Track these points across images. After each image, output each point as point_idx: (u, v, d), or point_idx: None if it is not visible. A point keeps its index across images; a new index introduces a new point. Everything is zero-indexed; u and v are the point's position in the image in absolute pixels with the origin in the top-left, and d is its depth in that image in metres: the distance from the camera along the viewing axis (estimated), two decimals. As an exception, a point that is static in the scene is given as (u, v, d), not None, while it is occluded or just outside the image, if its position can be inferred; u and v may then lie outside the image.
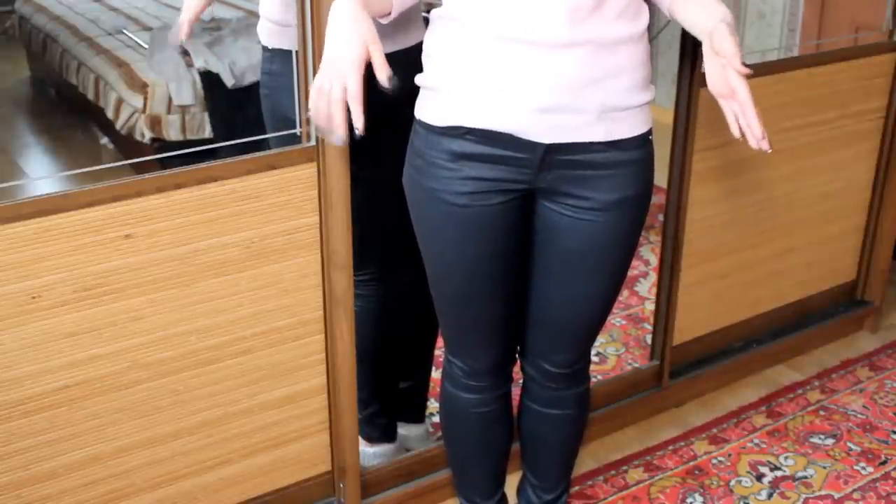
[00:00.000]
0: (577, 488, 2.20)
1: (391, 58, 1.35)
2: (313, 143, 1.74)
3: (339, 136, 1.32)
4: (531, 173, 1.52)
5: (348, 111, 1.31)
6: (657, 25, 4.02)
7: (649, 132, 1.57)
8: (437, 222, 1.58)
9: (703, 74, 2.19)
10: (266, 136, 1.88)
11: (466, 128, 1.49)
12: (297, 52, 1.70)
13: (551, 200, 1.57)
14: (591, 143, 1.50)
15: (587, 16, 1.41)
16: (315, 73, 1.66)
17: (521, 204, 1.57)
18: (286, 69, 1.77)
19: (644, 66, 1.52)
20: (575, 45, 1.41)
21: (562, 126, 1.47)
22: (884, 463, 2.31)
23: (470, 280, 1.62)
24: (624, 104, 1.49)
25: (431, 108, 1.53)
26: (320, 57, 1.64)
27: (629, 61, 1.48)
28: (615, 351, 2.68)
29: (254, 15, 2.06)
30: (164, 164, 1.87)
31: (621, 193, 1.54)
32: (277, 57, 1.85)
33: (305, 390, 1.91)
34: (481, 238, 1.57)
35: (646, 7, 1.51)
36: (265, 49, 1.89)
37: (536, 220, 1.60)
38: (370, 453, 2.16)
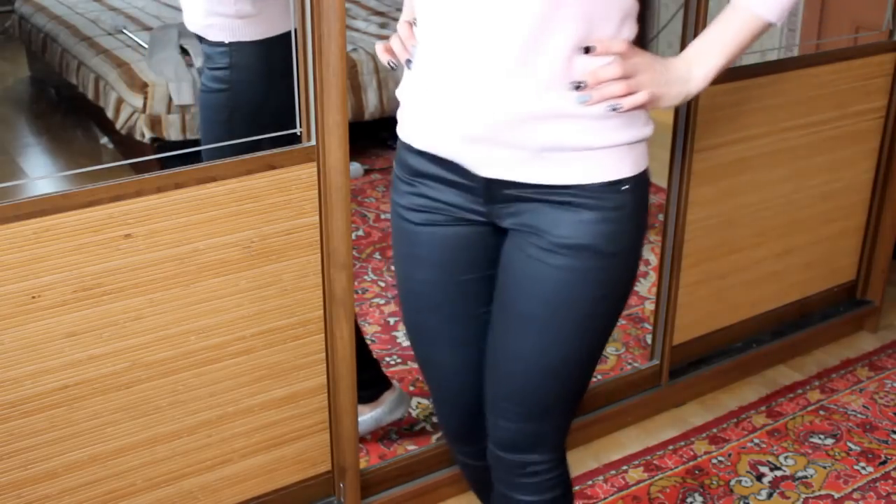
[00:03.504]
0: (577, 488, 2.20)
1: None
2: (313, 142, 1.74)
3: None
4: (483, 202, 1.34)
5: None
6: (657, 26, 4.02)
7: (623, 182, 1.29)
8: (395, 238, 1.46)
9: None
10: (266, 136, 1.88)
11: (415, 147, 1.37)
12: (296, 50, 1.70)
13: (510, 235, 1.36)
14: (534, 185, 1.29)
15: (541, 46, 1.21)
16: (315, 63, 1.67)
17: (481, 237, 1.39)
18: (251, 60, 1.78)
19: None
20: (520, 76, 1.22)
21: (494, 160, 1.28)
22: (884, 463, 2.31)
23: (418, 309, 1.46)
24: (573, 144, 1.26)
25: (399, 121, 1.41)
26: (319, 46, 1.65)
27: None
28: (615, 351, 2.68)
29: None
30: (164, 164, 1.87)
31: (577, 239, 1.29)
32: (239, 50, 1.86)
33: (305, 390, 1.91)
34: (430, 263, 1.41)
35: (629, 30, 1.29)
36: (220, 45, 1.89)
37: (499, 259, 1.39)
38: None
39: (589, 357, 1.41)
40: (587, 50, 1.22)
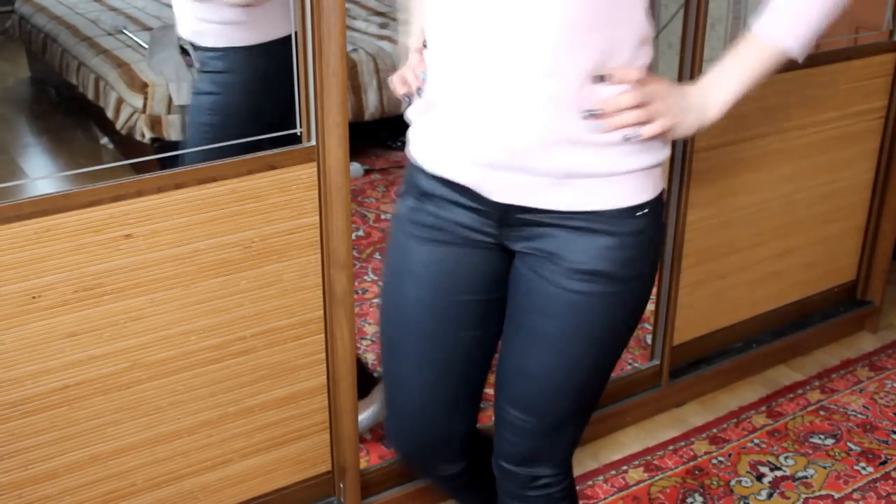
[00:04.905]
0: (577, 488, 2.20)
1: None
2: (313, 142, 1.74)
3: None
4: (496, 226, 1.32)
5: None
6: (657, 26, 4.02)
7: (640, 207, 1.28)
8: (392, 248, 1.42)
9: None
10: (267, 136, 1.88)
11: (427, 171, 1.35)
12: (296, 50, 1.70)
13: (522, 257, 1.34)
14: (550, 211, 1.28)
15: (557, 72, 1.19)
16: (315, 63, 1.67)
17: (487, 260, 1.37)
18: (244, 65, 1.79)
19: None
20: (538, 103, 1.20)
21: (509, 186, 1.26)
22: (884, 463, 2.31)
23: (398, 323, 1.42)
24: (590, 171, 1.24)
25: (410, 140, 1.39)
26: (319, 46, 1.65)
27: None
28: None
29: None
30: (164, 164, 1.88)
31: (594, 265, 1.28)
32: (231, 56, 1.87)
33: (305, 390, 1.91)
34: (424, 281, 1.38)
35: (646, 55, 1.27)
36: (213, 50, 1.91)
37: (502, 281, 1.39)
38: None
39: (602, 376, 1.41)
40: (602, 78, 1.21)
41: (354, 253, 2.66)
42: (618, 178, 1.26)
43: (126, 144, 3.33)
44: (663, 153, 1.30)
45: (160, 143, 3.22)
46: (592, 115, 1.21)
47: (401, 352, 1.43)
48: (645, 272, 1.33)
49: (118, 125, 3.27)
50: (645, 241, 1.30)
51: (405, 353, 1.43)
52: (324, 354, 1.90)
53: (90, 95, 3.43)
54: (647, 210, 1.29)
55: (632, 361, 2.61)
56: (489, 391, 1.47)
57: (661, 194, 1.32)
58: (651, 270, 1.35)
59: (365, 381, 2.26)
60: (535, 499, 1.47)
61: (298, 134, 1.76)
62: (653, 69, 1.30)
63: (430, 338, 1.40)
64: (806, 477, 2.26)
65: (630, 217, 1.28)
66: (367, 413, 2.24)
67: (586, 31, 1.18)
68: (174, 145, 3.20)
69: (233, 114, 1.90)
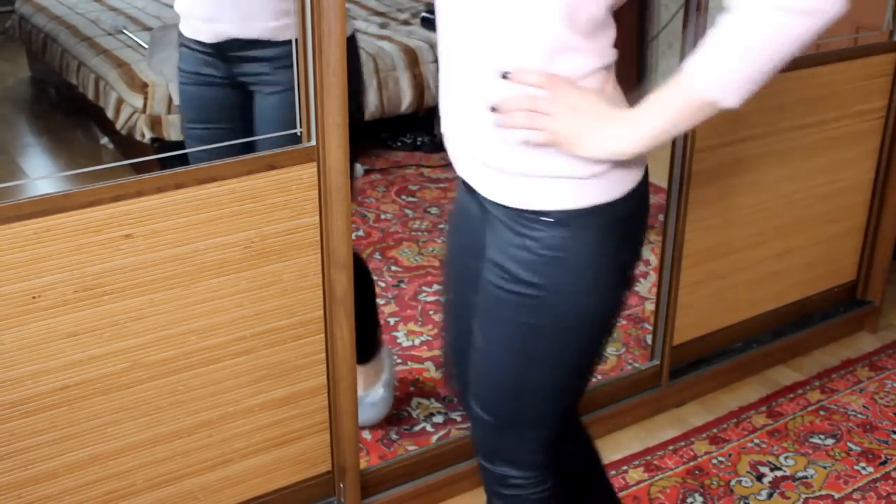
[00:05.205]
0: (577, 488, 2.20)
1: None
2: (313, 142, 1.74)
3: None
4: (478, 206, 1.37)
5: None
6: (657, 26, 4.02)
7: (548, 214, 1.24)
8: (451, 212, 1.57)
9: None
10: (266, 136, 1.88)
11: None
12: (296, 51, 1.70)
13: None
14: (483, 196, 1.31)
15: (470, 66, 1.24)
16: (315, 63, 1.67)
17: (481, 236, 1.40)
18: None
19: None
20: (464, 93, 1.26)
21: (462, 165, 1.34)
22: (884, 463, 2.31)
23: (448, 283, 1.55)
24: (495, 164, 1.26)
25: None
26: (319, 46, 1.65)
27: None
28: (615, 351, 2.68)
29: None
30: (164, 164, 1.88)
31: (496, 257, 1.30)
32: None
33: (305, 390, 1.91)
34: (454, 247, 1.52)
35: (569, 65, 1.21)
36: (289, 43, 1.94)
37: None
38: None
39: (536, 388, 1.37)
40: (505, 76, 1.21)
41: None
42: (522, 179, 1.25)
43: (126, 144, 3.33)
44: (592, 168, 1.23)
45: (160, 143, 3.22)
46: (493, 109, 1.22)
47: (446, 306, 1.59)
48: (568, 289, 1.27)
49: (118, 125, 3.27)
50: (566, 255, 1.25)
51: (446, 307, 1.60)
52: (324, 354, 1.90)
53: (90, 95, 3.43)
54: (558, 220, 1.24)
55: (632, 361, 2.61)
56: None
57: (596, 209, 1.24)
58: (585, 290, 1.28)
59: (374, 345, 2.30)
60: (510, 498, 1.48)
61: (298, 134, 1.76)
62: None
63: (453, 298, 1.55)
64: (806, 477, 2.26)
65: (534, 221, 1.25)
66: (381, 395, 2.28)
67: (491, 29, 1.20)
68: (174, 145, 3.20)
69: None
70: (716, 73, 1.13)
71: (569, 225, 1.24)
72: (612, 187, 1.25)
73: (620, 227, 1.28)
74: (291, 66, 2.00)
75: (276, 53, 1.92)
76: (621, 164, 1.24)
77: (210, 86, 2.01)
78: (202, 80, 2.02)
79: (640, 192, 1.30)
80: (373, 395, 2.33)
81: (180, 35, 2.02)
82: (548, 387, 1.39)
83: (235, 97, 2.00)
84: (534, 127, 1.20)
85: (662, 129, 1.18)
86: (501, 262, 1.29)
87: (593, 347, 1.38)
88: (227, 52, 1.95)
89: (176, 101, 3.17)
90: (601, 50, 1.23)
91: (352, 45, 1.97)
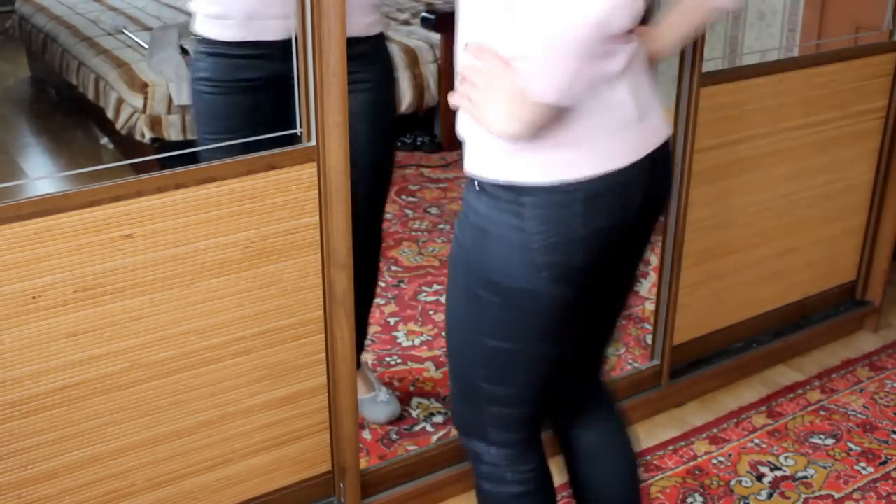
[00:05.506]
0: (577, 488, 2.20)
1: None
2: (313, 142, 1.74)
3: None
4: None
5: None
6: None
7: (478, 180, 1.34)
8: None
9: (704, 74, 2.20)
10: (266, 136, 1.88)
11: None
12: (296, 51, 1.70)
13: None
14: None
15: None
16: (315, 63, 1.67)
17: None
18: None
19: None
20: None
21: None
22: (884, 463, 2.31)
23: None
24: (462, 129, 1.37)
25: None
26: (319, 47, 1.65)
27: None
28: (615, 351, 2.68)
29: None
30: (164, 164, 1.87)
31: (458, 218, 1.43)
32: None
33: (305, 390, 1.91)
34: None
35: None
36: (382, 36, 2.05)
37: None
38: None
39: (470, 350, 1.42)
40: (465, 47, 1.29)
41: (354, 253, 2.66)
42: (468, 145, 1.33)
43: (126, 144, 3.34)
44: (502, 142, 1.27)
45: (160, 144, 3.22)
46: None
47: None
48: (483, 255, 1.33)
49: (118, 125, 3.27)
50: (484, 222, 1.31)
51: None
52: (324, 354, 1.90)
53: (90, 95, 3.43)
54: (482, 188, 1.31)
55: (632, 361, 2.61)
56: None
57: (514, 187, 1.28)
58: (498, 262, 1.32)
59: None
60: (484, 476, 1.54)
61: (298, 134, 1.76)
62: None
63: None
64: (806, 477, 2.26)
65: (470, 185, 1.33)
66: (385, 403, 2.30)
67: (469, 9, 1.29)
68: (174, 145, 3.20)
69: None
70: (528, 69, 1.19)
71: (489, 195, 1.30)
72: (530, 170, 1.27)
73: (543, 214, 1.28)
74: (382, 60, 2.05)
75: (366, 50, 1.98)
76: (550, 150, 1.26)
77: (245, 92, 1.98)
78: (238, 87, 1.97)
79: (588, 191, 1.28)
80: (382, 394, 2.34)
81: (208, 43, 1.97)
82: (478, 353, 1.42)
83: (272, 97, 1.95)
84: (462, 95, 1.29)
85: (509, 124, 1.24)
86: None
87: (517, 329, 1.38)
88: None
89: (177, 101, 3.17)
90: None
91: (382, 41, 2.05)
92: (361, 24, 1.95)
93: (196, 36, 1.99)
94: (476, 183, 1.32)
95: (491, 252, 1.32)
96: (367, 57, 1.98)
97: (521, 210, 1.28)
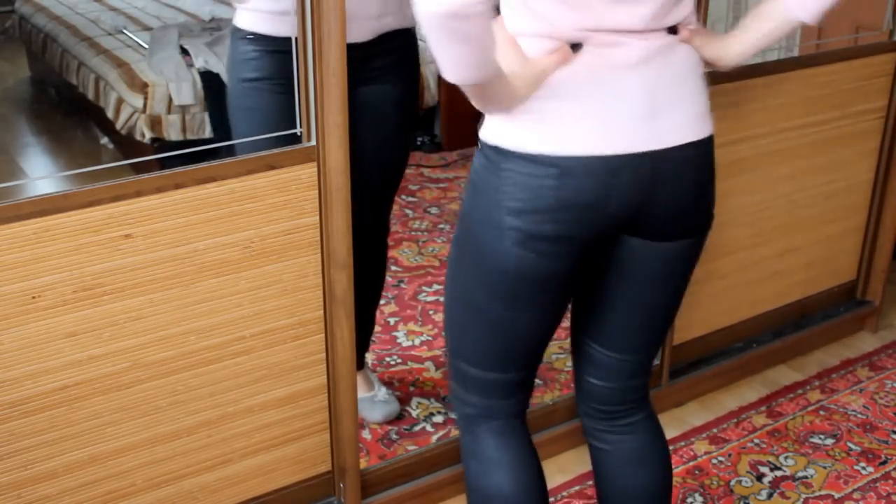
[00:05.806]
0: (577, 488, 2.20)
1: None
2: (313, 142, 1.74)
3: None
4: None
5: None
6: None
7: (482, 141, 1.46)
8: None
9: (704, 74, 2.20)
10: (266, 136, 1.88)
11: None
12: (296, 51, 1.70)
13: None
14: None
15: None
16: (315, 63, 1.67)
17: None
18: None
19: None
20: None
21: None
22: (884, 463, 2.31)
23: None
24: None
25: None
26: (319, 47, 1.66)
27: None
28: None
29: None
30: (164, 164, 1.87)
31: None
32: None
33: (305, 390, 1.91)
34: None
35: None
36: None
37: None
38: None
39: (446, 297, 1.52)
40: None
41: (354, 253, 2.66)
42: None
43: (126, 144, 3.33)
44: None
45: (160, 143, 3.22)
46: None
47: None
48: (465, 204, 1.43)
49: (118, 125, 3.27)
50: (474, 176, 1.41)
51: None
52: (324, 354, 1.90)
53: (90, 95, 3.43)
54: (480, 147, 1.40)
55: (632, 361, 2.61)
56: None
57: (492, 147, 1.36)
58: (470, 207, 1.41)
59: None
60: (462, 436, 1.61)
61: (298, 134, 1.76)
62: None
63: None
64: (806, 477, 2.26)
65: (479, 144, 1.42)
66: (386, 403, 2.31)
67: None
68: (174, 145, 3.20)
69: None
70: None
71: (484, 155, 1.39)
72: (516, 138, 1.34)
73: (520, 180, 1.34)
74: (412, 55, 2.07)
75: (407, 41, 2.02)
76: (536, 123, 1.33)
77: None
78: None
79: (564, 167, 1.32)
80: (381, 393, 2.34)
81: (268, 41, 1.91)
82: (455, 302, 1.51)
83: None
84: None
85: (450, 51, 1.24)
86: None
87: (480, 282, 1.43)
88: (375, 47, 1.98)
89: (177, 101, 3.17)
90: (549, 21, 1.30)
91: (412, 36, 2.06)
92: (402, 15, 1.99)
93: (250, 35, 1.93)
94: (480, 143, 1.40)
95: (475, 206, 1.41)
96: (404, 50, 2.03)
97: (500, 172, 1.35)
